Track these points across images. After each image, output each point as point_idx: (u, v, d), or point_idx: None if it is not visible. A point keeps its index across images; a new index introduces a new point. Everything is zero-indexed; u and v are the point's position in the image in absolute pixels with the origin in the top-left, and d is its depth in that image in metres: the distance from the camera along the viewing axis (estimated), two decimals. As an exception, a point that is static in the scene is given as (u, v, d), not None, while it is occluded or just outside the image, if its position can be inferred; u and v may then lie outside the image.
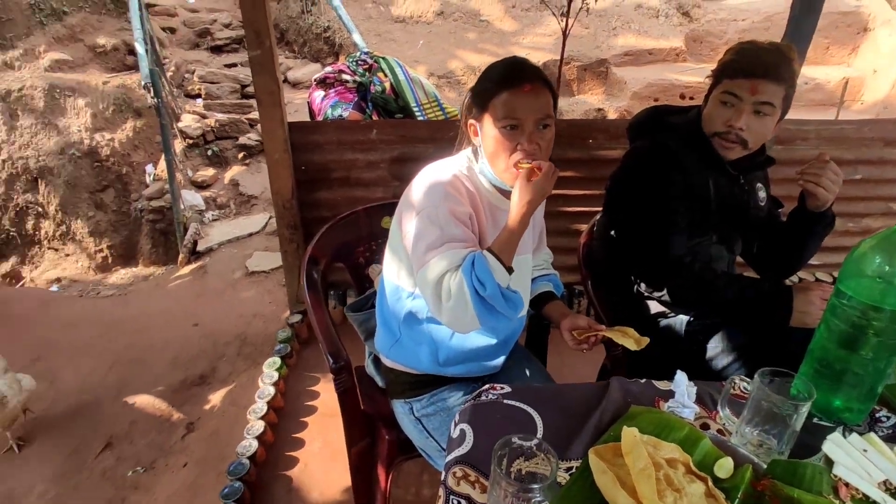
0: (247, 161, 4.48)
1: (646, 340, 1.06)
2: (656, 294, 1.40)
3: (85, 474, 1.98)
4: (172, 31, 5.74)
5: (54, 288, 3.89)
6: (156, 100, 3.57)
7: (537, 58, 5.28)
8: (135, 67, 4.56)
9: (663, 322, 1.46)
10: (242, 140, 4.54)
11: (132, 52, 4.77)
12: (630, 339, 1.07)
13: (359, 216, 1.54)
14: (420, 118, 2.95)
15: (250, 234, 3.65)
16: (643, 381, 1.02)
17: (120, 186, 4.31)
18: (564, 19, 3.06)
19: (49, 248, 4.36)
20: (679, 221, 1.32)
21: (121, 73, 4.79)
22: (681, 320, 1.43)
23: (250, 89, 5.03)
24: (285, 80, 5.46)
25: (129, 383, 2.39)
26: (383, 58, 3.15)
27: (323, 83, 3.09)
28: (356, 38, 4.82)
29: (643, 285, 1.42)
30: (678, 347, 1.42)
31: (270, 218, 3.74)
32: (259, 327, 2.69)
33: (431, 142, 2.35)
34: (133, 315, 2.96)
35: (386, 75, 3.06)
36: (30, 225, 4.36)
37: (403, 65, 3.16)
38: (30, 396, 2.11)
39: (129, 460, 2.03)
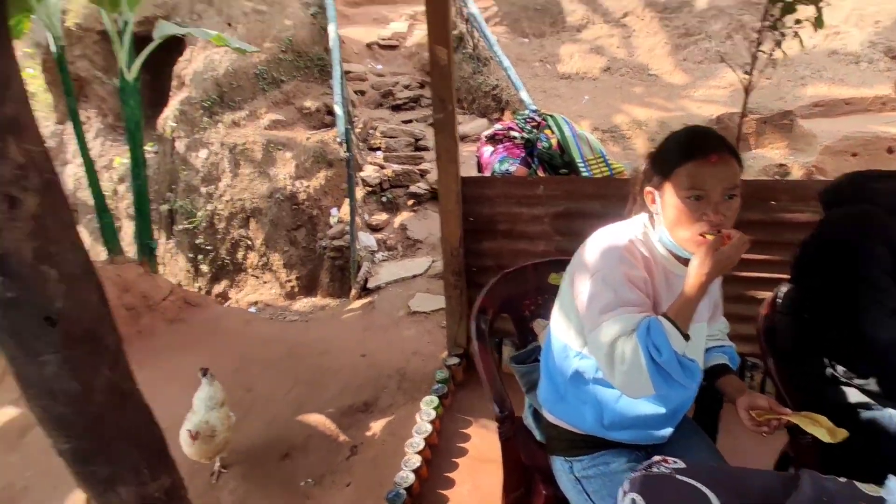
0: (415, 208, 4.89)
1: (843, 433, 0.96)
2: (857, 381, 1.24)
3: (268, 478, 2.27)
4: (362, 93, 6.58)
5: (252, 309, 4.58)
6: (348, 154, 4.11)
7: (710, 111, 5.04)
8: (331, 125, 5.32)
9: (866, 414, 1.28)
10: (413, 188, 4.98)
11: (330, 112, 5.58)
12: (822, 429, 0.97)
13: (527, 270, 1.60)
14: (585, 174, 2.99)
15: (414, 276, 3.94)
16: (843, 479, 0.92)
17: (310, 226, 4.99)
18: (747, 75, 2.90)
19: (252, 276, 5.18)
20: (886, 301, 1.18)
21: (320, 130, 5.61)
22: (890, 415, 1.25)
23: (422, 143, 5.52)
24: (453, 135, 5.89)
25: (307, 402, 2.70)
26: (551, 115, 3.28)
27: (492, 139, 3.30)
28: (523, 94, 5.07)
29: (839, 369, 1.27)
30: (888, 446, 1.23)
31: (433, 262, 4.01)
32: (418, 365, 2.87)
33: (597, 198, 2.36)
34: (312, 340, 3.36)
35: (553, 132, 3.17)
36: (240, 255, 5.23)
37: (570, 121, 3.25)
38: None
39: (303, 471, 2.28)
